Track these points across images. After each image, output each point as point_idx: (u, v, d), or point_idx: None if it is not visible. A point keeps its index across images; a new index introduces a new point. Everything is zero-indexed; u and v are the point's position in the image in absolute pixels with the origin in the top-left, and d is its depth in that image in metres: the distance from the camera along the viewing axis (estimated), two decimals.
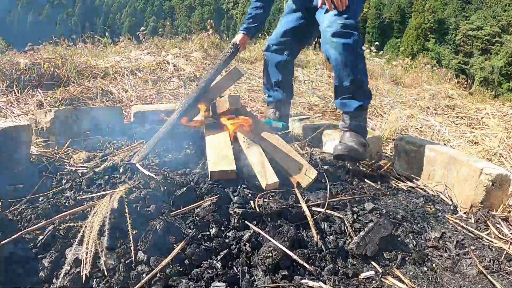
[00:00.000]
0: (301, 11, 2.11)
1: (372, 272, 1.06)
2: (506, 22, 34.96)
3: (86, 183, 1.27)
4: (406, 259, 1.17)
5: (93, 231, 0.93)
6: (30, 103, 2.82)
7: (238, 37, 2.12)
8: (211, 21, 6.49)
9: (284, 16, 2.21)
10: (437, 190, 1.79)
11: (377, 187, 1.68)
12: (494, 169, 1.57)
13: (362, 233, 1.17)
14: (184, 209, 1.12)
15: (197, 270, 0.93)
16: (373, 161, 2.14)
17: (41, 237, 1.00)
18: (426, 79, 7.28)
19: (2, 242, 0.94)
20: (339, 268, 1.04)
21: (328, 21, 1.73)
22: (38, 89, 3.02)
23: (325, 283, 0.97)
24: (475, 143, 3.22)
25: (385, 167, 2.05)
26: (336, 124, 2.42)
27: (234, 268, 0.98)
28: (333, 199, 1.38)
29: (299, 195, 1.32)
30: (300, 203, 1.27)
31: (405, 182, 1.89)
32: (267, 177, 1.33)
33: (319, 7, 1.75)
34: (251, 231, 1.09)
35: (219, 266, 0.96)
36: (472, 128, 3.75)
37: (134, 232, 0.96)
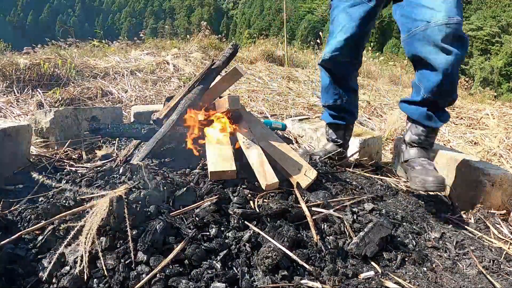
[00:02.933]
0: None
1: (371, 273, 1.06)
2: (506, 22, 34.99)
3: (86, 183, 1.27)
4: (406, 259, 1.17)
5: (93, 231, 0.93)
6: (30, 103, 2.82)
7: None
8: (205, 23, 6.55)
9: (344, 11, 1.67)
10: None
11: (377, 187, 1.68)
12: (494, 169, 1.57)
13: (361, 234, 1.17)
14: (184, 209, 1.12)
15: (197, 270, 0.93)
16: (373, 161, 2.14)
17: (41, 237, 1.00)
18: None
19: (2, 242, 0.94)
20: (339, 268, 1.04)
21: (442, 13, 1.32)
22: (38, 89, 3.02)
23: (324, 283, 0.97)
24: (475, 143, 3.22)
25: (385, 167, 2.05)
26: None
27: (234, 268, 0.98)
28: (333, 199, 1.38)
29: (298, 196, 1.32)
30: (300, 204, 1.27)
31: (405, 182, 1.89)
32: (266, 177, 1.33)
33: None
34: (251, 232, 1.09)
35: (219, 266, 0.96)
36: (472, 128, 3.75)
37: (133, 232, 0.96)
